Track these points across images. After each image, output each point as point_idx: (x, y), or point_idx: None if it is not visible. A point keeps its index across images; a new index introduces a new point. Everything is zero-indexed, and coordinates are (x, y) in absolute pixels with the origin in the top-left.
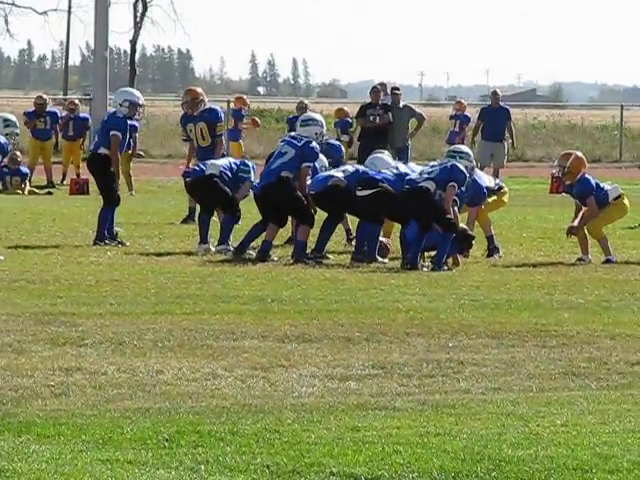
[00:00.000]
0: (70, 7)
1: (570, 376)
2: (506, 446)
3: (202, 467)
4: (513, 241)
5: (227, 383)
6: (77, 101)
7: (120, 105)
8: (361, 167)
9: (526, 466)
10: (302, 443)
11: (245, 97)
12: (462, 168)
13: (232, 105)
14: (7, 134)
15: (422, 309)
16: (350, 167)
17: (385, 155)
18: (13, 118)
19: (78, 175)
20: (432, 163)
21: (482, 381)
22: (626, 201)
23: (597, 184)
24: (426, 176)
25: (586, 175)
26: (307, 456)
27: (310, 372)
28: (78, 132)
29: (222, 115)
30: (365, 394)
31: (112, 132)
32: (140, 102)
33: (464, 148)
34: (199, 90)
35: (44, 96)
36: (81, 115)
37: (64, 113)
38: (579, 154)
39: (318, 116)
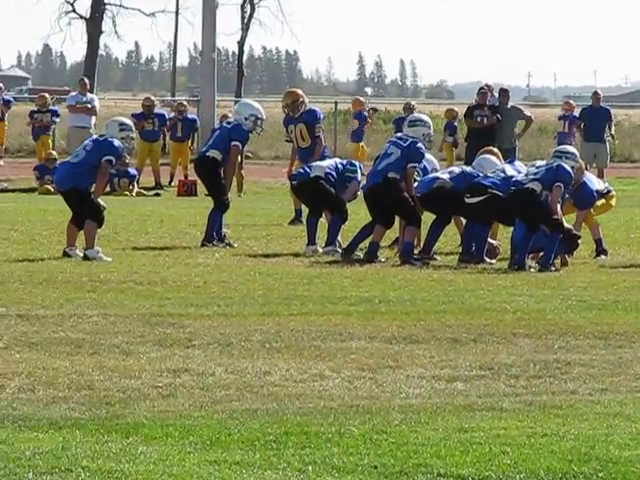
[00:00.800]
0: (177, 8)
1: None
2: (613, 447)
3: (309, 468)
4: (621, 242)
5: (334, 384)
6: (185, 102)
7: (246, 119)
8: (467, 168)
9: (633, 467)
10: (409, 444)
11: (361, 98)
12: (568, 168)
13: (351, 107)
14: (122, 138)
15: (529, 310)
16: (456, 169)
17: (492, 156)
18: (129, 122)
19: (186, 176)
20: (538, 163)
21: (589, 382)
22: None
23: None
24: (532, 177)
25: None
26: (414, 457)
27: (417, 373)
28: (186, 133)
29: (321, 116)
30: (472, 395)
31: (234, 142)
32: (263, 117)
33: (570, 148)
34: (299, 92)
35: (152, 98)
36: (189, 117)
37: (172, 114)
38: None
39: (425, 117)
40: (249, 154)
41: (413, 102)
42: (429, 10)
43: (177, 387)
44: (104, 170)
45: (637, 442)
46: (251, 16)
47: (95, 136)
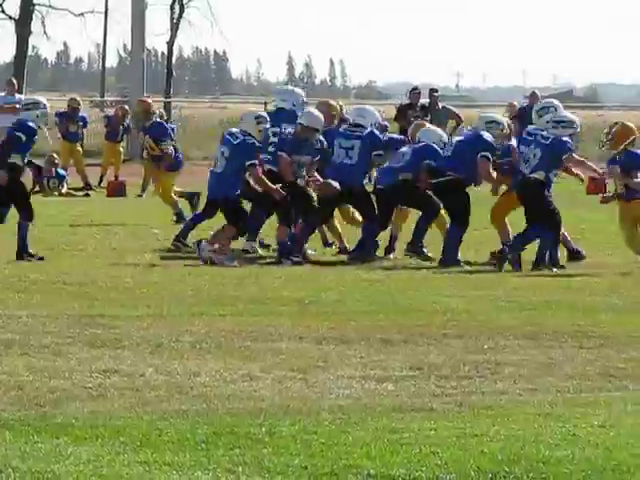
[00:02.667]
0: (107, 9)
1: (607, 377)
2: (544, 447)
3: (239, 469)
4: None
5: (264, 385)
6: (127, 107)
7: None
8: (417, 146)
9: (564, 467)
10: (340, 445)
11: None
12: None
13: (269, 106)
14: (259, 130)
15: (460, 310)
16: (406, 151)
17: (431, 127)
18: (264, 114)
19: (117, 177)
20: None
21: (520, 382)
22: None
23: None
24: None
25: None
26: (345, 458)
27: (348, 374)
28: (120, 135)
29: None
30: (402, 396)
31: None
32: None
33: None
34: (150, 101)
35: (78, 99)
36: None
37: (111, 114)
38: (628, 123)
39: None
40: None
41: (341, 102)
42: (359, 10)
43: (107, 388)
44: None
45: (567, 442)
46: (180, 16)
47: (230, 138)
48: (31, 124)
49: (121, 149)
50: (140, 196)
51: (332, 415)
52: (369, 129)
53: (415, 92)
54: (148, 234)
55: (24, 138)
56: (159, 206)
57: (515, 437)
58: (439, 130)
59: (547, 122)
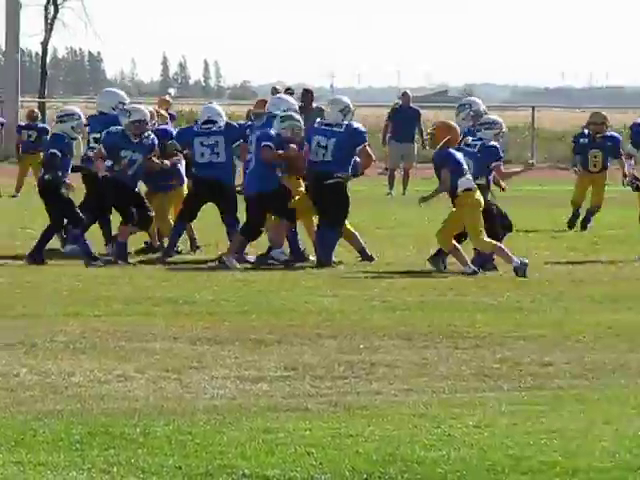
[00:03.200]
0: None
1: (482, 377)
2: (418, 447)
3: (114, 469)
4: (426, 241)
5: (139, 385)
6: None
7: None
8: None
9: (439, 467)
10: (214, 445)
11: (167, 97)
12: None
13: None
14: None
15: (334, 310)
16: None
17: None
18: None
19: None
20: None
21: (394, 382)
22: (478, 196)
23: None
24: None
25: (450, 149)
26: (219, 458)
27: (222, 374)
28: None
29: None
30: (277, 396)
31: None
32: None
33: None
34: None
35: None
36: None
37: None
38: (449, 122)
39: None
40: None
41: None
42: (233, 10)
43: None
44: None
45: (442, 443)
46: (54, 17)
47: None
48: (66, 140)
49: None
50: (15, 196)
51: (207, 415)
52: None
53: (288, 92)
54: (23, 234)
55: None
56: (33, 206)
57: (390, 437)
58: None
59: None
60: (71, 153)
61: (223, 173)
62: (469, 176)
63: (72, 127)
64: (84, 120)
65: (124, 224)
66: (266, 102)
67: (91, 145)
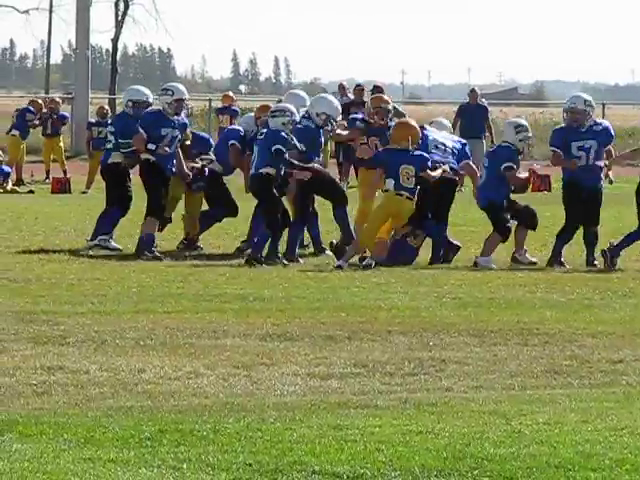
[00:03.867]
0: (52, 6)
1: (552, 374)
2: (488, 444)
3: (184, 465)
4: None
5: (209, 382)
6: (58, 99)
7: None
8: None
9: (508, 464)
10: (284, 441)
11: (231, 93)
12: None
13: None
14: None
15: (404, 307)
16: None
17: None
18: (524, 123)
19: (65, 172)
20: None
21: (464, 379)
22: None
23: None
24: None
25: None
26: (289, 454)
27: (292, 370)
28: (55, 129)
29: None
30: (347, 392)
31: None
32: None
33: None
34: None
35: (57, 99)
36: (61, 113)
37: (44, 111)
38: (407, 121)
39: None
40: None
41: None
42: (302, 7)
43: (51, 384)
44: None
45: (512, 440)
46: (125, 13)
47: None
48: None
49: (61, 144)
50: (85, 192)
51: (277, 412)
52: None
53: (358, 88)
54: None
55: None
56: (103, 203)
57: (460, 434)
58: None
59: None
60: (288, 147)
61: None
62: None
63: (283, 123)
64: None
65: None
66: (269, 107)
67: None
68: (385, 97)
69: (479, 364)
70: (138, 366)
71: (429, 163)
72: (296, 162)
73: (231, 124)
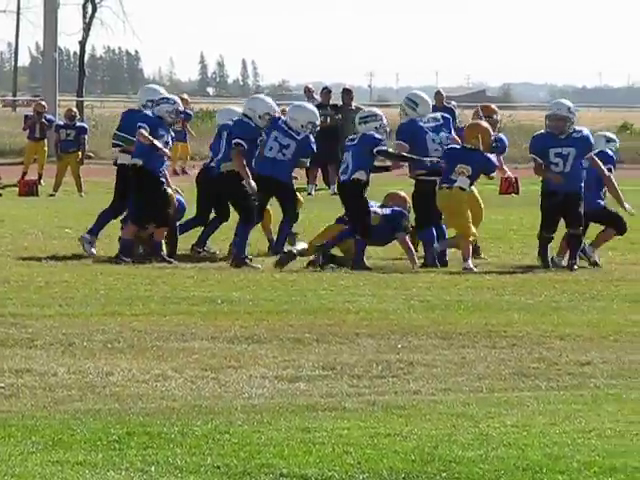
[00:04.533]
0: (19, 8)
1: (520, 377)
2: (456, 447)
3: (152, 468)
4: None
5: (177, 384)
6: (44, 103)
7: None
8: None
9: (476, 467)
10: (252, 444)
11: (185, 96)
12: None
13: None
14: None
15: (372, 310)
16: None
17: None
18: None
19: (40, 176)
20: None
21: (432, 382)
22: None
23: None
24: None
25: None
26: (257, 457)
27: (260, 373)
28: (43, 133)
29: None
30: (315, 395)
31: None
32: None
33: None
34: None
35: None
36: (47, 117)
37: (30, 114)
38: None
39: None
40: (91, 154)
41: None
42: (270, 9)
43: (19, 387)
44: None
45: (480, 442)
46: (92, 16)
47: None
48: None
49: (45, 148)
50: (52, 195)
51: (245, 415)
52: (304, 133)
53: (325, 91)
54: (60, 233)
55: None
56: (71, 205)
57: (428, 437)
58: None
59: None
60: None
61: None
62: None
63: (376, 127)
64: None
65: (158, 226)
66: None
67: None
68: (494, 107)
69: (447, 367)
70: (106, 369)
71: (492, 167)
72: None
73: (183, 127)
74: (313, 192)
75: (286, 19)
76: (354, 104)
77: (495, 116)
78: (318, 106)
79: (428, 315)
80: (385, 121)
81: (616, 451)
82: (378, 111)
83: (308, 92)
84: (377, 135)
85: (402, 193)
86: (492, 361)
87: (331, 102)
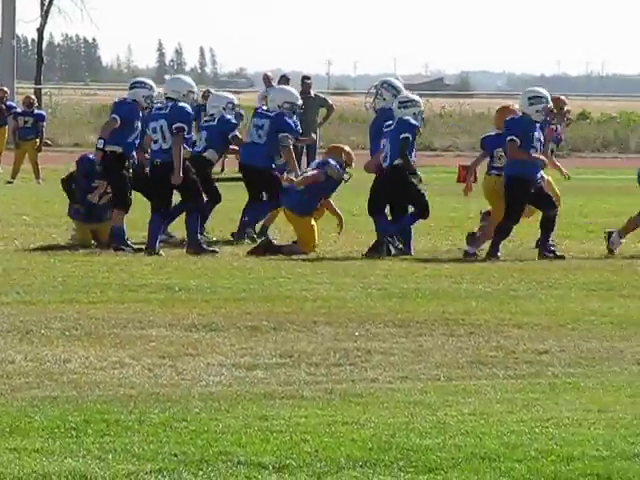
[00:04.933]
0: None
1: (478, 365)
2: (414, 435)
3: (109, 456)
4: (421, 230)
5: (134, 372)
6: (5, 88)
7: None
8: None
9: (434, 455)
10: (210, 432)
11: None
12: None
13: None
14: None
15: (329, 298)
16: None
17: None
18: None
19: None
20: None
21: (390, 370)
22: None
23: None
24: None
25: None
26: (215, 445)
27: (218, 361)
28: (4, 120)
29: None
30: (273, 383)
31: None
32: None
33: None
34: None
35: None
36: (8, 103)
37: None
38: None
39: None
40: (48, 141)
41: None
42: None
43: None
44: None
45: (437, 430)
46: (50, 3)
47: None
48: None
49: (6, 135)
50: (10, 182)
51: (202, 402)
52: (277, 111)
53: (284, 79)
54: (18, 220)
55: None
56: (28, 192)
57: (385, 425)
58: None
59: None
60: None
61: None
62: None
63: (414, 113)
64: None
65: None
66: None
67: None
68: (563, 98)
69: (405, 355)
70: (64, 356)
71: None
72: None
73: None
74: None
75: (244, 7)
76: (312, 92)
77: (565, 107)
78: None
79: (386, 303)
80: (423, 107)
81: (574, 440)
82: (417, 97)
83: (267, 80)
84: (413, 121)
85: (344, 146)
86: (450, 349)
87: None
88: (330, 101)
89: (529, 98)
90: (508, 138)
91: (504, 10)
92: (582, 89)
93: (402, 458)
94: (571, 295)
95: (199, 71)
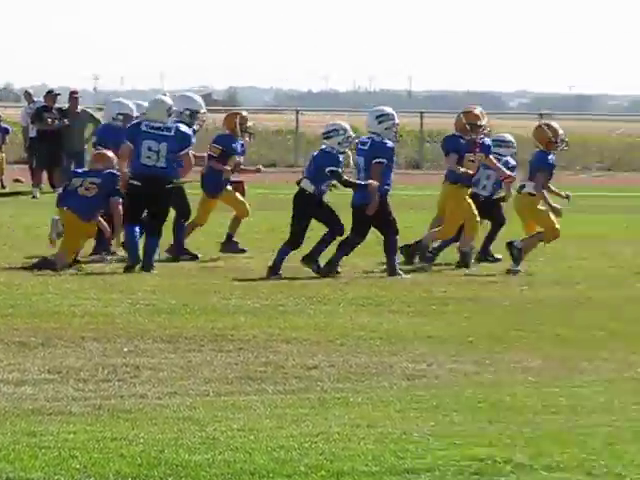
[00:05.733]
0: None
1: (247, 380)
2: (183, 450)
3: None
4: (191, 246)
5: None
6: None
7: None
8: None
9: (203, 471)
10: None
11: None
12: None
13: None
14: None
15: (97, 314)
16: None
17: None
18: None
19: None
20: None
21: (159, 386)
22: None
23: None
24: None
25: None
26: None
27: None
28: None
29: None
30: (41, 399)
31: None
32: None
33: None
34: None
35: None
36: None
37: None
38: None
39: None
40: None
41: None
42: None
43: None
44: None
45: (207, 446)
46: None
47: None
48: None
49: None
50: None
51: None
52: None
53: (51, 95)
54: None
55: None
56: None
57: (154, 441)
58: None
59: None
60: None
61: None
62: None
63: (339, 143)
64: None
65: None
66: None
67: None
68: (477, 112)
69: (173, 370)
70: None
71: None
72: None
73: None
74: (38, 195)
75: (6, 22)
76: (79, 107)
77: (478, 122)
78: (44, 109)
79: (154, 319)
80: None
81: (343, 455)
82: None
83: (28, 97)
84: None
85: (108, 153)
86: (219, 365)
87: (57, 105)
88: (97, 116)
89: (377, 117)
90: (375, 161)
91: (271, 25)
92: (350, 104)
93: (171, 474)
94: (340, 310)
95: None
